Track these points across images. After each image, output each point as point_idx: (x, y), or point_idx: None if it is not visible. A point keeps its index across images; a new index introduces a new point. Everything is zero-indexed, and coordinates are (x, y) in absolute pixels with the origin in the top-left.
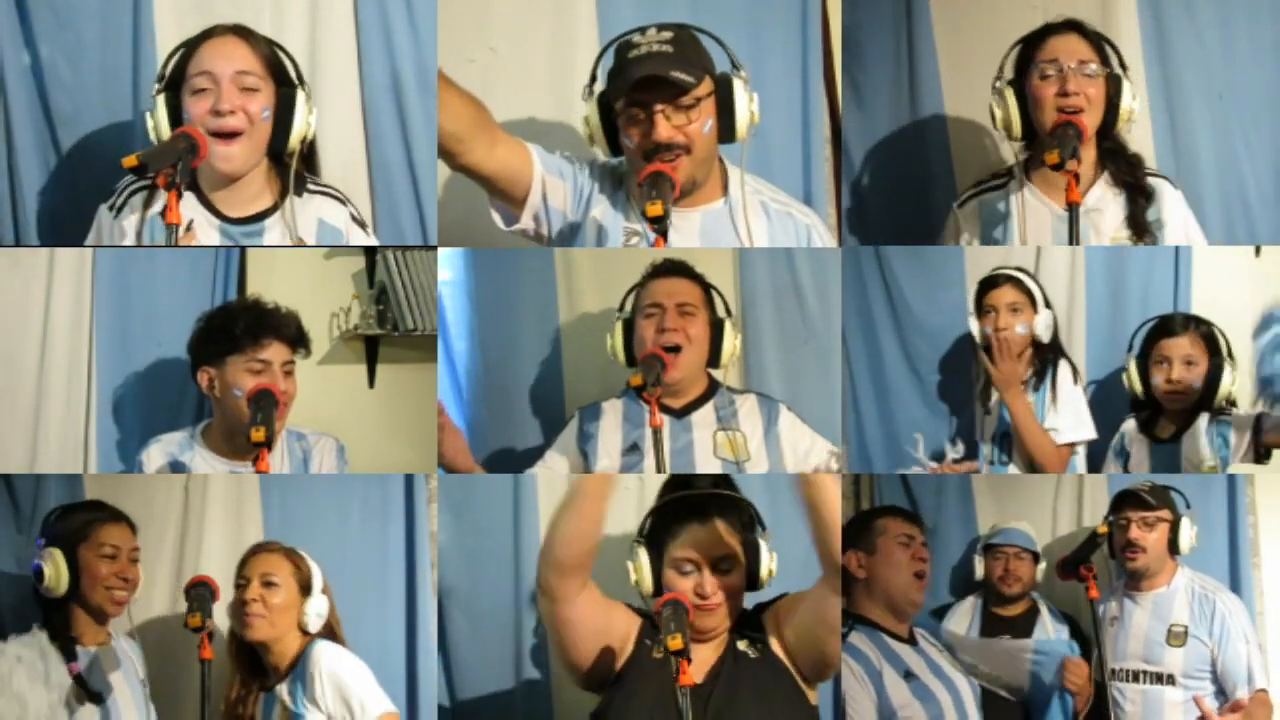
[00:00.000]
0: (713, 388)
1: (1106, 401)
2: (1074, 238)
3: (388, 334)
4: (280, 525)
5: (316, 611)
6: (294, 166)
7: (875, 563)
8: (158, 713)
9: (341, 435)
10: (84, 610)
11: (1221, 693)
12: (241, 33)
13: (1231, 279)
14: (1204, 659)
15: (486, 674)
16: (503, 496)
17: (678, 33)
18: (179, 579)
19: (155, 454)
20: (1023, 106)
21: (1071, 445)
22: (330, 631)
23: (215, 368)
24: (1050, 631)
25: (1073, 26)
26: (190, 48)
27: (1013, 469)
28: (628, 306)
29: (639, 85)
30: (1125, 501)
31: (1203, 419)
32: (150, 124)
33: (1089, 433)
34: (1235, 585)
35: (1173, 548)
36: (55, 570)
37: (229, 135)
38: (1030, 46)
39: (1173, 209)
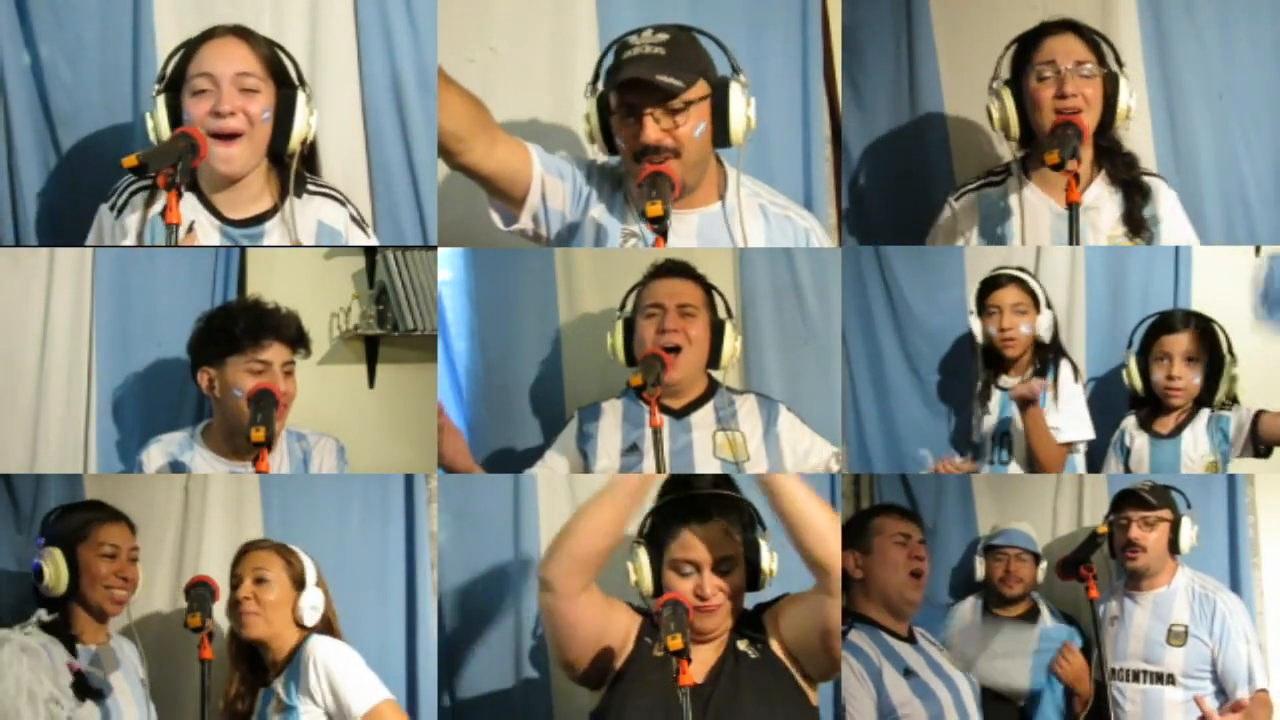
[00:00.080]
0: (712, 388)
1: (1106, 399)
2: (1074, 237)
3: (388, 334)
4: (280, 525)
5: (311, 605)
6: (294, 168)
7: (871, 562)
8: (158, 712)
9: (341, 435)
10: (84, 609)
11: (1222, 692)
12: (242, 33)
13: (1231, 279)
14: (1204, 659)
15: (486, 674)
16: (503, 496)
17: (674, 34)
18: (179, 579)
19: (155, 454)
20: (1020, 107)
21: (1070, 444)
22: (328, 625)
23: (215, 368)
24: None
25: (1069, 26)
26: (191, 48)
27: (1013, 469)
28: (629, 306)
29: (627, 87)
30: (1126, 501)
31: (1203, 415)
32: (150, 124)
33: (1088, 433)
34: (1235, 585)
35: (1173, 547)
36: (55, 569)
37: (229, 137)
38: (1026, 47)
39: (1168, 207)
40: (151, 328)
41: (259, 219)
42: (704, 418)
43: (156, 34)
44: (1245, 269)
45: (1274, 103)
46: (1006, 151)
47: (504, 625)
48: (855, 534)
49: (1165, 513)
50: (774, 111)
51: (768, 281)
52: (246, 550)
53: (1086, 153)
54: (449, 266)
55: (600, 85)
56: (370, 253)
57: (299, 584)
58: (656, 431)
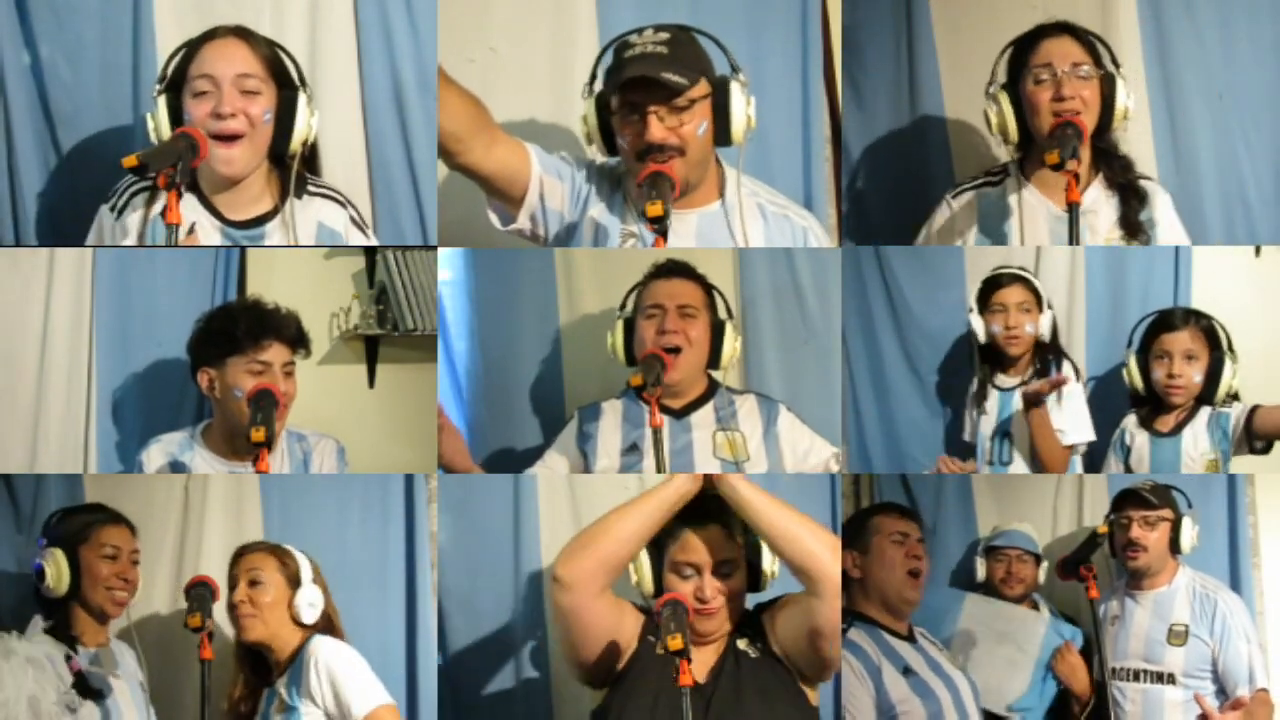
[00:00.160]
0: (712, 388)
1: (1106, 398)
2: (1074, 238)
3: (388, 334)
4: (280, 526)
5: (308, 602)
6: (295, 169)
7: (869, 561)
8: (157, 714)
9: (341, 435)
10: (85, 610)
11: (1222, 692)
12: (243, 34)
13: (1231, 279)
14: (1205, 658)
15: (486, 674)
16: (503, 496)
17: (675, 34)
18: (179, 579)
19: (155, 454)
20: (1018, 111)
21: (1073, 446)
22: (328, 623)
23: (215, 368)
24: None
25: (1065, 28)
26: (191, 49)
27: (1013, 469)
28: (629, 306)
29: (631, 85)
30: (1126, 500)
31: (1204, 412)
32: (151, 125)
33: (1089, 434)
34: (1235, 585)
35: (1174, 547)
36: (56, 570)
37: (230, 138)
38: (1023, 50)
39: (1163, 211)
40: (151, 328)
41: (260, 220)
42: (704, 418)
43: (156, 34)
44: (1245, 270)
45: (1274, 103)
46: (1004, 153)
47: (504, 625)
48: (854, 533)
49: (1166, 512)
50: (774, 111)
51: (768, 281)
52: (241, 553)
53: (1085, 154)
54: (449, 266)
55: (598, 85)
56: (370, 253)
57: (295, 583)
58: (656, 431)
